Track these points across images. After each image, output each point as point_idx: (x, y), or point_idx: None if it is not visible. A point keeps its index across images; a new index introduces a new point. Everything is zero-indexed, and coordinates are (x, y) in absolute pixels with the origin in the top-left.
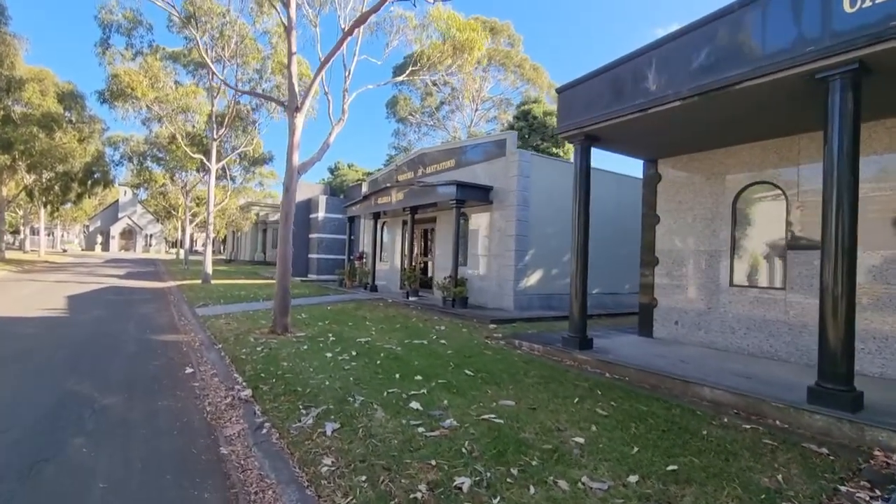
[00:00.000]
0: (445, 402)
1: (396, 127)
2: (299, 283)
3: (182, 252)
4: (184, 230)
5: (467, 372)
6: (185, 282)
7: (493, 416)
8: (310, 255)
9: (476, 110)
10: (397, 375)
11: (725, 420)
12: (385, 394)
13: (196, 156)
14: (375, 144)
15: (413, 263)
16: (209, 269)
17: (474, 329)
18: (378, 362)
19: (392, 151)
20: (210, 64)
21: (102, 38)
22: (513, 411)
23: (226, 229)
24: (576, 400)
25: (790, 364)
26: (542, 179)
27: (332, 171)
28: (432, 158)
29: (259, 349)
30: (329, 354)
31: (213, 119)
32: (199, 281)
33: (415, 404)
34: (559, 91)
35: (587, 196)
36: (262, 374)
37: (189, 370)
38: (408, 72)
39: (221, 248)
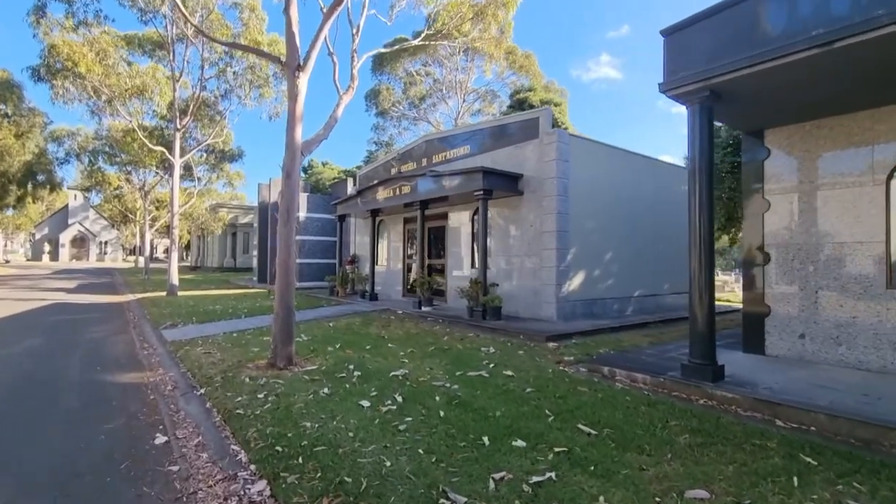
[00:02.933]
0: (601, 499)
1: (376, 121)
2: None
3: (142, 260)
4: (143, 236)
5: (582, 428)
6: (146, 294)
7: None
8: None
9: (463, 101)
10: (485, 440)
11: None
12: (492, 485)
13: (157, 148)
14: (351, 141)
15: (424, 267)
16: (175, 279)
17: (530, 350)
18: (442, 414)
19: (372, 147)
20: (180, 4)
21: (37, 4)
22: None
23: (189, 234)
24: (794, 481)
25: None
26: (581, 165)
27: (305, 170)
28: (441, 146)
29: (261, 396)
30: (365, 403)
31: (176, 107)
32: (164, 293)
33: None
34: (667, 33)
35: (710, 174)
36: (279, 447)
37: (160, 439)
38: (422, 36)
39: (185, 254)
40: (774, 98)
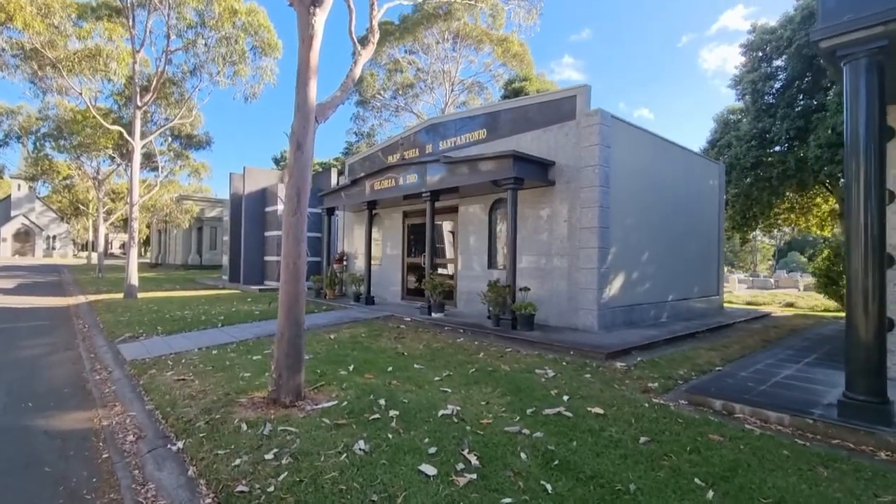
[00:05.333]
0: None
1: (356, 111)
2: (257, 293)
3: (95, 256)
4: (96, 230)
5: None
6: (100, 296)
7: None
8: (266, 258)
9: (451, 91)
10: None
11: None
12: None
13: (114, 128)
14: (327, 132)
15: (433, 267)
16: (134, 278)
17: (596, 372)
18: (550, 489)
19: (352, 138)
20: None
21: None
22: None
23: (148, 228)
24: None
25: None
26: (621, 153)
27: (276, 161)
28: (449, 130)
29: (270, 457)
30: (428, 470)
31: (136, 82)
32: (121, 295)
33: None
34: None
35: (880, 150)
36: None
37: None
38: None
39: (143, 250)
40: None
